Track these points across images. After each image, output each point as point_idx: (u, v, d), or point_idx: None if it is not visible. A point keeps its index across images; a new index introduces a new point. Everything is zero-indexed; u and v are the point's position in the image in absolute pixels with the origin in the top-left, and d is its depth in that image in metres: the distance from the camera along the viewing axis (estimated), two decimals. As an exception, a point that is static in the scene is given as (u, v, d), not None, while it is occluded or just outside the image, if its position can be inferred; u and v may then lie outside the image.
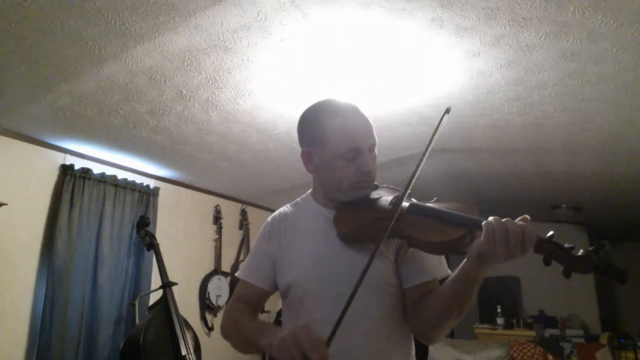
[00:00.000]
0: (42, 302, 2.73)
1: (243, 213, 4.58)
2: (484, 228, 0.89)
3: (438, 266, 1.14)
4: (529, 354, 4.34)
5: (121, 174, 3.36)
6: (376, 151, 1.19)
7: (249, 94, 2.33)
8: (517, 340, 4.58)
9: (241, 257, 4.43)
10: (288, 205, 1.35)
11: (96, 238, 3.07)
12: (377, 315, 1.10)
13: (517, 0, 1.57)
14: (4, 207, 2.52)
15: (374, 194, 1.19)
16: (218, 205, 4.29)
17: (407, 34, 1.79)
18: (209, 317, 4.02)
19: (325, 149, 1.14)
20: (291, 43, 1.87)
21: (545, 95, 2.30)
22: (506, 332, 5.20)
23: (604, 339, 4.51)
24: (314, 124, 1.17)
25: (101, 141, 2.93)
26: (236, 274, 1.29)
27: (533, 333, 5.05)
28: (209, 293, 3.94)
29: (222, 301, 4.04)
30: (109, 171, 3.27)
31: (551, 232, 0.91)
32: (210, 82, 2.19)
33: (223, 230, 4.28)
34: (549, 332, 5.09)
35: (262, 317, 4.38)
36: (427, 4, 1.59)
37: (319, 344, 0.88)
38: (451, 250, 0.99)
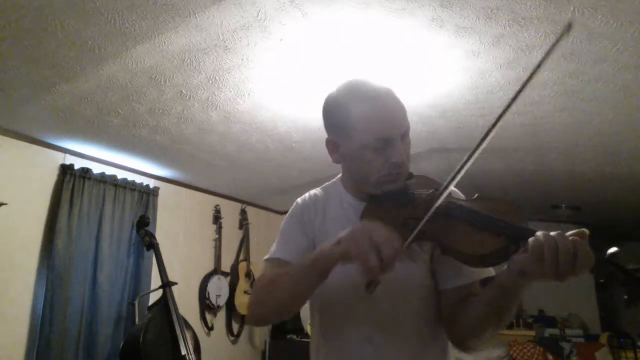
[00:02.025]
0: (42, 302, 2.73)
1: (243, 213, 4.58)
2: (530, 245, 0.77)
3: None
4: (529, 354, 4.34)
5: (121, 174, 3.36)
6: (410, 137, 1.06)
7: (249, 94, 2.33)
8: (517, 340, 4.58)
9: (241, 257, 4.43)
10: (318, 189, 1.23)
11: (96, 238, 3.07)
12: (409, 319, 1.02)
13: (517, 0, 1.57)
14: (4, 207, 2.52)
15: (409, 188, 1.05)
16: (218, 205, 4.29)
17: (407, 34, 1.79)
18: (209, 317, 4.02)
19: (352, 139, 1.02)
20: (291, 43, 1.87)
21: (545, 95, 2.30)
22: (506, 332, 5.19)
23: (604, 339, 4.51)
24: (339, 110, 1.05)
25: (101, 141, 2.94)
26: (265, 258, 1.16)
27: (533, 333, 5.05)
28: (209, 293, 3.94)
29: (222, 301, 4.04)
30: (109, 171, 3.27)
31: (614, 249, 0.80)
32: (210, 82, 2.19)
33: (223, 230, 4.28)
34: (549, 332, 5.09)
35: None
36: (427, 4, 1.60)
37: (393, 237, 0.80)
38: (490, 264, 0.89)
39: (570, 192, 4.33)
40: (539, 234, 0.78)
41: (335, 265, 0.88)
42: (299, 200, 1.22)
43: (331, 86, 2.26)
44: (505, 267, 0.86)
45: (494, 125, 0.96)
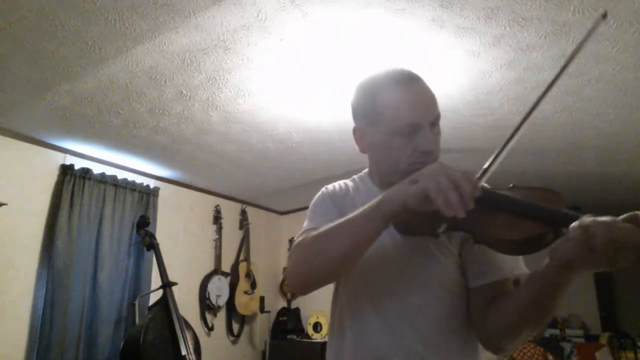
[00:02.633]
0: (42, 302, 2.73)
1: (243, 213, 4.57)
2: (575, 231, 0.70)
3: (512, 263, 0.95)
4: (529, 354, 4.34)
5: (121, 174, 3.36)
6: (440, 126, 1.01)
7: (249, 94, 2.33)
8: (517, 340, 4.57)
9: (241, 257, 4.43)
10: (346, 180, 1.17)
11: (96, 238, 3.07)
12: (435, 315, 0.95)
13: (517, 0, 1.57)
14: (4, 207, 2.52)
15: None
16: (218, 205, 4.29)
17: (407, 34, 1.79)
18: (209, 317, 4.02)
19: (378, 126, 0.98)
20: (291, 43, 1.87)
21: (545, 95, 2.30)
22: (506, 332, 5.18)
23: (604, 339, 4.51)
24: (366, 97, 1.02)
25: (101, 141, 2.94)
26: (299, 234, 1.06)
27: (533, 333, 5.04)
28: (209, 293, 3.94)
29: (222, 301, 4.04)
30: (109, 171, 3.27)
31: None
32: (210, 82, 2.19)
33: (223, 230, 4.28)
34: (549, 332, 5.09)
35: (262, 316, 4.30)
36: (427, 4, 1.60)
37: (468, 173, 0.76)
38: (526, 250, 0.82)
39: (570, 192, 4.33)
40: (586, 218, 0.71)
41: (403, 208, 0.80)
42: (328, 186, 1.16)
43: (331, 86, 2.27)
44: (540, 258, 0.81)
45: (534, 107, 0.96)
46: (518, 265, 0.95)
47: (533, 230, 0.80)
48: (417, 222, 0.92)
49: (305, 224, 1.08)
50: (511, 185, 0.95)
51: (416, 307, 0.95)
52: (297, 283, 0.97)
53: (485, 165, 0.83)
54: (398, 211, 0.82)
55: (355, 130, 1.06)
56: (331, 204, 1.09)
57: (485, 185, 1.00)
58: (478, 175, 0.79)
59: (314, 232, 0.94)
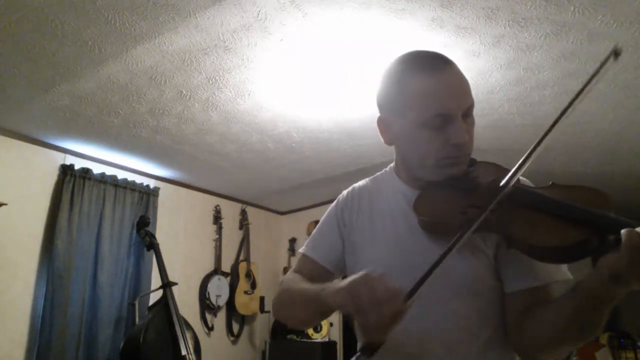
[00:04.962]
0: (42, 302, 2.73)
1: (243, 213, 4.57)
2: (623, 241, 0.62)
3: (553, 267, 0.85)
4: (529, 354, 4.33)
5: (121, 174, 3.36)
6: (474, 116, 0.92)
7: (249, 94, 2.33)
8: (517, 340, 4.56)
9: (241, 257, 4.43)
10: (367, 179, 1.11)
11: (96, 238, 3.07)
12: (468, 325, 0.86)
13: (517, 0, 1.57)
14: (4, 207, 2.52)
15: (472, 173, 0.91)
16: (218, 205, 4.29)
17: (407, 34, 1.79)
18: (209, 317, 4.02)
19: (406, 116, 0.89)
20: (291, 43, 1.87)
21: (545, 95, 2.30)
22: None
23: (604, 339, 4.51)
24: (392, 85, 0.93)
25: (101, 141, 2.94)
26: (299, 250, 1.10)
27: (533, 333, 5.03)
28: (209, 293, 3.94)
29: (222, 301, 4.04)
30: (109, 171, 3.27)
31: None
32: (210, 82, 2.19)
33: (223, 230, 4.28)
34: (549, 332, 5.08)
35: (262, 316, 4.29)
36: (427, 4, 1.60)
37: (396, 294, 0.67)
38: (565, 259, 0.74)
39: (570, 192, 4.33)
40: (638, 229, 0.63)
41: (334, 311, 0.79)
42: (344, 192, 1.11)
43: (331, 86, 2.27)
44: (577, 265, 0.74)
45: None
46: (560, 270, 0.86)
47: (575, 236, 0.71)
48: (443, 222, 0.85)
49: (308, 239, 1.09)
50: (550, 182, 0.88)
51: (446, 317, 0.87)
52: (278, 319, 1.03)
53: (415, 283, 0.72)
54: (331, 311, 0.81)
55: (379, 121, 0.98)
56: (330, 226, 1.07)
57: (527, 181, 0.95)
58: (405, 295, 0.68)
59: (290, 283, 0.98)
